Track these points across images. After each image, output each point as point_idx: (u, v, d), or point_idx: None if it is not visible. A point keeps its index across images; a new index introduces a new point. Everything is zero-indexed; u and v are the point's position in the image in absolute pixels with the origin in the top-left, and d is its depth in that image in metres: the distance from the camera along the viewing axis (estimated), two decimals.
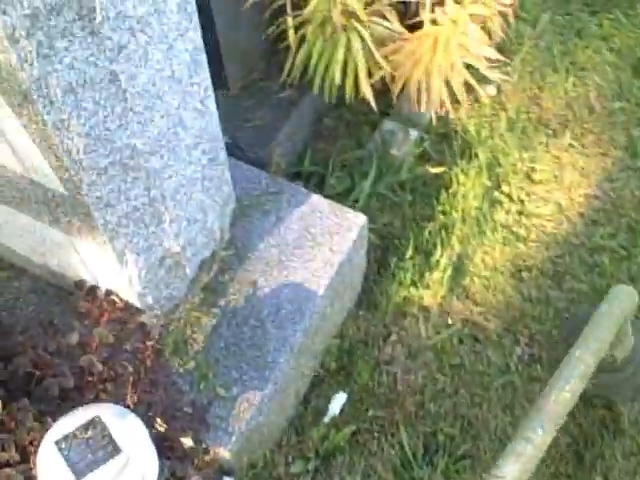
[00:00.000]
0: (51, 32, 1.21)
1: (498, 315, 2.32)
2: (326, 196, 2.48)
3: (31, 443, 1.76)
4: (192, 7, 1.58)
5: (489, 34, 2.41)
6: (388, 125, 2.66)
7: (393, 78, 2.41)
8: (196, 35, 1.63)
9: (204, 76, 1.72)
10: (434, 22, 2.24)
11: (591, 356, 1.51)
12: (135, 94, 1.45)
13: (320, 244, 2.15)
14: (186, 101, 1.66)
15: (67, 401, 1.84)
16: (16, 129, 1.39)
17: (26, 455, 1.75)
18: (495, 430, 2.15)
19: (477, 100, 2.77)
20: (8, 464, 1.75)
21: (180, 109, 1.64)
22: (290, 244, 2.15)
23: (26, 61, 1.20)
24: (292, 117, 2.57)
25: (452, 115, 2.69)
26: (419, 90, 2.37)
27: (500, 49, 2.73)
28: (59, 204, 1.60)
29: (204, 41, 2.38)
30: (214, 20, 2.34)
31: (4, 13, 1.11)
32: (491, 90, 2.79)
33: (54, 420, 1.76)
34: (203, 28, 2.34)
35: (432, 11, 2.22)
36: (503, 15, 2.36)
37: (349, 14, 2.21)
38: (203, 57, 1.70)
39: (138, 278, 1.80)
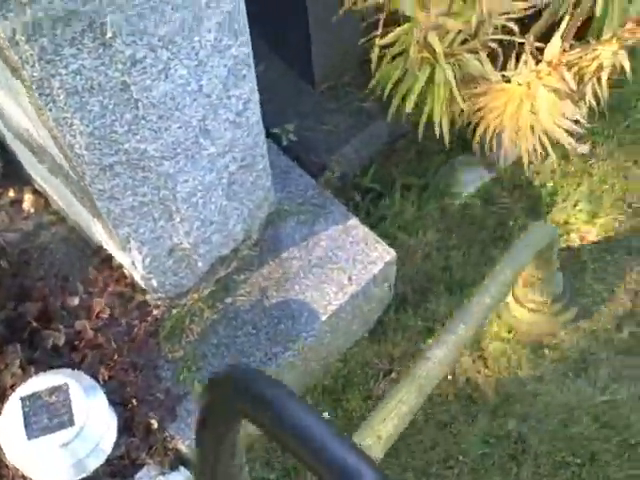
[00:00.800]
0: (57, 40, 1.25)
1: (504, 385, 2.25)
2: (378, 217, 2.48)
3: (12, 387, 1.88)
4: (240, 24, 1.56)
5: (582, 98, 2.28)
6: (461, 161, 2.59)
7: (473, 117, 2.34)
8: (240, 51, 1.61)
9: (245, 89, 1.71)
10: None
11: (510, 270, 1.75)
12: (148, 104, 1.47)
13: (341, 269, 2.14)
14: (216, 113, 1.67)
15: (56, 357, 1.94)
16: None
17: (3, 397, 1.86)
18: None
19: (565, 156, 2.65)
20: None
21: (206, 121, 1.65)
22: (312, 261, 2.15)
23: (27, 62, 1.25)
24: (366, 130, 2.54)
25: (534, 167, 2.59)
26: (492, 138, 2.29)
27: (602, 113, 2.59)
28: (72, 182, 1.67)
29: (296, 33, 2.41)
30: (308, 18, 2.33)
31: (4, 18, 1.17)
32: (583, 149, 2.66)
33: (37, 372, 1.87)
34: (296, 21, 2.36)
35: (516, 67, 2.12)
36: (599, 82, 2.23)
37: (434, 49, 2.14)
38: (247, 71, 1.68)
39: (142, 264, 1.85)
